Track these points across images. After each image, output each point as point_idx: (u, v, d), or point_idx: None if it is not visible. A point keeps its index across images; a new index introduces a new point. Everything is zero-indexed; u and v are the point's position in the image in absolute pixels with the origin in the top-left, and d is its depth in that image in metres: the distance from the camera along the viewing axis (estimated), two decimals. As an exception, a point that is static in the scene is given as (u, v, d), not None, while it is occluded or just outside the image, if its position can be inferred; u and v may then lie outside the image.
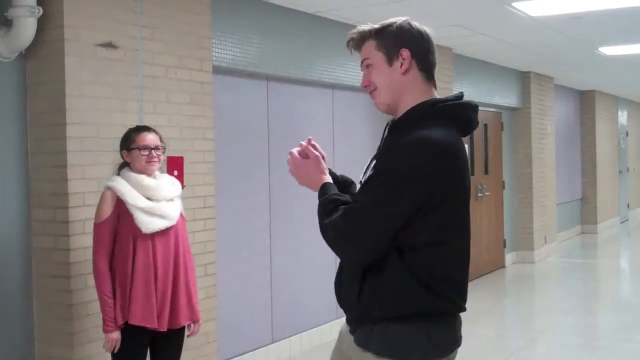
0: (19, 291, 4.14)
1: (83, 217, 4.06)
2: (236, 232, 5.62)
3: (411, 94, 2.23)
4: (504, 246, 10.82)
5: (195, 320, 3.84)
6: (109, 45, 4.26)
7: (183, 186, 4.71)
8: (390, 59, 2.23)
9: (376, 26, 2.27)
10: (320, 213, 2.19)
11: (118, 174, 3.70)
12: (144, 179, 3.63)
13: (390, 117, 2.34)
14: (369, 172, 2.24)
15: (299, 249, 6.20)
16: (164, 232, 3.64)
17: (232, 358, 5.54)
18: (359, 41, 2.28)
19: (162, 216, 3.61)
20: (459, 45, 8.31)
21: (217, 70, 5.21)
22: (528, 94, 10.96)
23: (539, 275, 10.50)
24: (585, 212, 14.50)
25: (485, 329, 7.20)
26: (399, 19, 2.28)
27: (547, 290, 9.77)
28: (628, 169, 16.93)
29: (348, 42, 2.30)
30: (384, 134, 2.32)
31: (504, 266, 10.74)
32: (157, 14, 4.59)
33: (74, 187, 4.04)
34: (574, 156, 14.10)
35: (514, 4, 6.32)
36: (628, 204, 16.87)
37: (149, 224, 3.57)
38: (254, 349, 5.79)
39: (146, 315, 3.58)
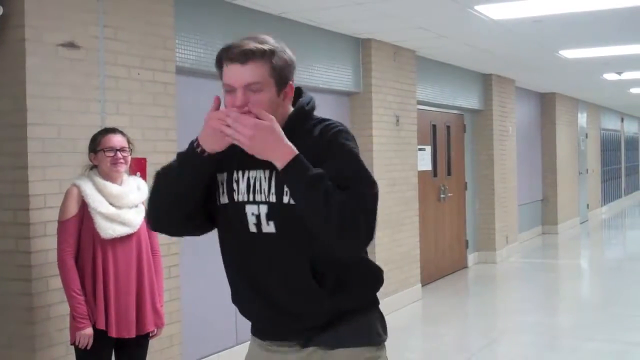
0: (-22, 295, 4.08)
1: (44, 219, 4.00)
2: (200, 233, 5.58)
3: (283, 111, 2.23)
4: (466, 247, 10.92)
5: (160, 325, 3.83)
6: (71, 45, 4.22)
7: (146, 188, 4.68)
8: (280, 89, 2.19)
9: (275, 47, 2.16)
10: (320, 190, 2.02)
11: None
12: (108, 185, 3.61)
13: None
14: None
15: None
16: (126, 238, 3.62)
17: (195, 360, 5.51)
18: (258, 56, 2.13)
19: (123, 223, 3.59)
20: (422, 47, 8.37)
21: (181, 71, 5.18)
22: (490, 96, 11.08)
23: (501, 275, 10.62)
24: (546, 212, 14.69)
25: (447, 328, 7.26)
26: (278, 42, 2.20)
27: (509, 290, 9.89)
28: (587, 170, 17.19)
29: (234, 47, 2.16)
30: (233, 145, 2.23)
31: (466, 266, 10.83)
32: (120, 14, 4.55)
33: (35, 189, 3.99)
34: (534, 158, 14.28)
35: (477, 7, 6.39)
36: (588, 205, 17.14)
37: (109, 229, 3.54)
38: (218, 351, 5.77)
39: (109, 321, 3.57)
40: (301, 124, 2.22)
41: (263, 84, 2.11)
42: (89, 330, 3.53)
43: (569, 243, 13.91)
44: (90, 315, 3.56)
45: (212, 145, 2.19)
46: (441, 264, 9.90)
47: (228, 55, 2.14)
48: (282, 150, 2.05)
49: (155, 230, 2.48)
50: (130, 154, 3.74)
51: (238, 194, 2.21)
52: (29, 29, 3.97)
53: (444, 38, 7.82)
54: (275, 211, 2.15)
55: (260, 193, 2.17)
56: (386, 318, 2.32)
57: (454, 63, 9.81)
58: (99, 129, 4.36)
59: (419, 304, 8.17)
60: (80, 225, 3.56)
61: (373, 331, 2.23)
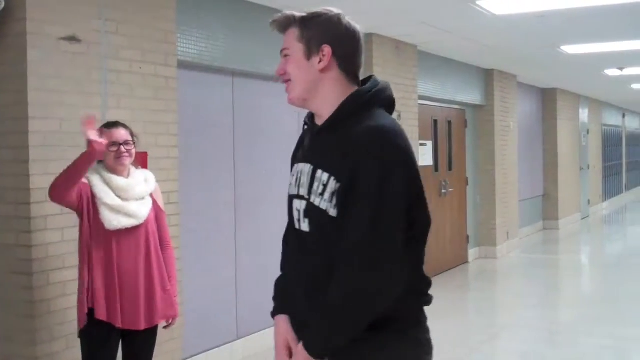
0: (-21, 288, 4.08)
1: (45, 213, 4.00)
2: (201, 228, 5.59)
3: (330, 91, 2.10)
4: (467, 242, 10.92)
5: (173, 316, 3.84)
6: (73, 39, 4.21)
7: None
8: (310, 52, 2.09)
9: (303, 14, 2.13)
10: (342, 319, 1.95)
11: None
12: (113, 179, 3.59)
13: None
14: (329, 186, 2.01)
15: (264, 245, 6.19)
16: (132, 230, 3.60)
17: (197, 354, 5.51)
18: (282, 26, 2.15)
19: (128, 215, 3.58)
20: (423, 42, 8.36)
21: (182, 65, 5.18)
22: (491, 92, 11.07)
23: (502, 270, 10.62)
24: (547, 208, 14.68)
25: (448, 323, 7.25)
26: (330, 11, 2.13)
27: (510, 286, 9.88)
28: (589, 166, 17.18)
29: (271, 23, 2.16)
30: (304, 132, 2.23)
31: (467, 262, 10.84)
32: (122, 8, 4.54)
33: (36, 183, 3.99)
34: (536, 153, 14.27)
35: (479, 2, 6.37)
36: (589, 201, 17.13)
37: (113, 220, 3.53)
38: (219, 345, 5.77)
39: (110, 313, 3.55)
40: (350, 112, 2.05)
41: (290, 49, 2.11)
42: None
43: (569, 239, 13.91)
44: (89, 301, 3.53)
45: None
46: (442, 259, 9.90)
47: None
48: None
49: None
50: (135, 147, 3.72)
51: (290, 186, 2.20)
52: (30, 23, 3.97)
53: (446, 33, 7.81)
54: (309, 209, 2.07)
55: (303, 187, 2.12)
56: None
57: (455, 58, 9.79)
58: (100, 123, 4.36)
59: (419, 299, 8.14)
60: (86, 217, 3.55)
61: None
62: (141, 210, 3.63)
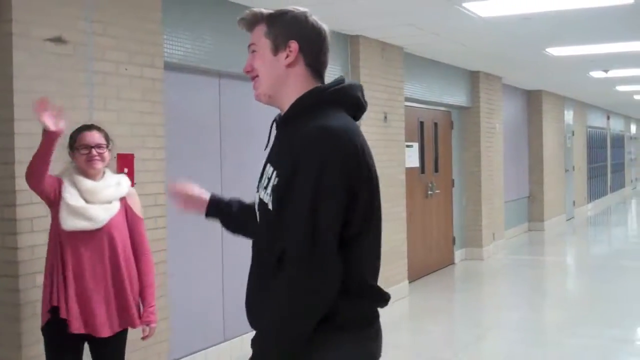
0: (-36, 291, 4.05)
1: (31, 215, 3.98)
2: (187, 230, 5.58)
3: (293, 87, 2.10)
4: (453, 243, 10.95)
5: (148, 324, 3.74)
6: (58, 40, 4.19)
7: (133, 184, 4.66)
8: (277, 48, 2.10)
9: (270, 11, 2.14)
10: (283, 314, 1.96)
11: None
12: (81, 181, 3.55)
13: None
14: (271, 181, 2.04)
15: (250, 247, 6.17)
16: (92, 234, 3.51)
17: (183, 357, 5.50)
18: (250, 23, 2.17)
19: (87, 218, 3.49)
20: (410, 44, 8.38)
21: (169, 66, 5.16)
22: (477, 93, 11.11)
23: (488, 271, 10.66)
24: (532, 209, 14.75)
25: (435, 325, 7.28)
26: (297, 9, 2.13)
27: (496, 287, 9.93)
28: (574, 167, 17.28)
29: (239, 21, 2.19)
30: (270, 130, 2.22)
31: (453, 263, 10.87)
32: (108, 9, 4.53)
33: (21, 185, 3.94)
34: (521, 155, 14.34)
35: (465, 4, 6.40)
36: (574, 202, 17.23)
37: (68, 222, 3.47)
38: (206, 348, 5.76)
39: (68, 314, 3.49)
40: (304, 108, 2.06)
41: (258, 45, 2.13)
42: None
43: (555, 240, 13.98)
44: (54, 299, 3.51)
45: None
46: (428, 261, 9.93)
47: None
48: None
49: None
50: (109, 150, 3.66)
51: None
52: (16, 24, 3.95)
53: (432, 35, 7.83)
54: (259, 202, 2.15)
55: (259, 181, 2.17)
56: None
57: (441, 60, 9.83)
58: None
59: (406, 301, 8.18)
60: (55, 185, 3.53)
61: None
62: (100, 214, 3.52)
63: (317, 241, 1.89)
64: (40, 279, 3.83)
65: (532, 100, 14.73)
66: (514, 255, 11.97)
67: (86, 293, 3.51)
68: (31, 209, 3.97)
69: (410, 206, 8.97)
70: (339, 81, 2.11)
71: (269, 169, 2.08)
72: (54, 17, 4.16)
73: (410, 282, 8.71)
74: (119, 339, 3.69)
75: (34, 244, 3.98)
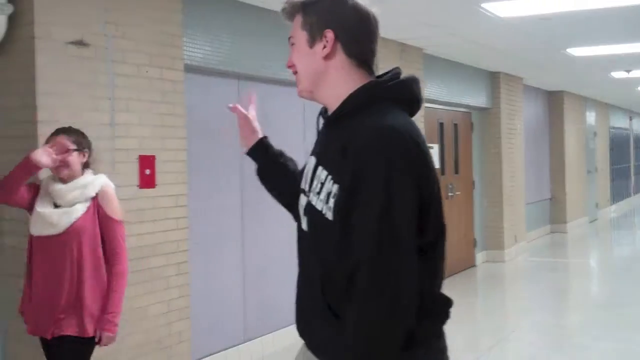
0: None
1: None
2: (208, 231, 5.61)
3: (336, 82, 1.91)
4: (474, 245, 10.91)
5: (103, 331, 3.48)
6: (80, 43, 4.24)
7: (154, 185, 4.71)
8: (313, 39, 1.91)
9: None
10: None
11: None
12: (51, 185, 3.53)
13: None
14: (325, 186, 1.84)
15: (271, 248, 6.20)
16: (54, 239, 3.44)
17: (204, 357, 5.52)
18: (289, 14, 1.99)
19: (50, 223, 3.45)
20: (429, 45, 8.37)
21: (188, 68, 5.20)
22: (497, 94, 11.07)
23: (509, 274, 10.60)
24: (554, 211, 14.65)
25: (455, 328, 7.21)
26: None
27: (518, 289, 9.87)
28: (596, 168, 17.15)
29: (281, 13, 2.02)
30: (317, 124, 2.04)
31: (474, 265, 10.82)
32: (129, 12, 4.57)
33: (44, 186, 4.00)
34: (542, 156, 14.25)
35: (483, 5, 6.39)
36: (597, 204, 17.09)
37: (33, 227, 3.50)
38: (227, 348, 5.78)
39: (26, 316, 3.57)
40: (357, 106, 1.86)
41: (295, 37, 1.97)
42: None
43: (578, 242, 13.87)
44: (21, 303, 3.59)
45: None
46: (449, 263, 9.80)
47: None
48: None
49: None
50: (84, 153, 3.57)
51: (302, 177, 2.02)
52: (38, 27, 4.00)
53: (451, 36, 7.82)
54: (308, 207, 1.91)
55: (307, 182, 1.95)
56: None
57: (461, 61, 9.80)
58: (108, 127, 4.40)
59: (427, 302, 8.13)
60: (32, 192, 3.59)
61: None
62: (62, 220, 3.43)
63: (395, 250, 1.69)
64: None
65: (554, 101, 14.64)
66: (536, 258, 11.89)
67: (40, 296, 3.49)
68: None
69: (431, 208, 8.93)
70: (395, 74, 1.92)
71: (322, 172, 1.86)
72: (75, 20, 4.21)
73: (431, 284, 8.69)
74: (67, 343, 3.48)
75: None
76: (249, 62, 5.86)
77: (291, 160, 2.32)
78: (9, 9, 3.95)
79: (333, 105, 1.92)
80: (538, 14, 6.79)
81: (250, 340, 6.00)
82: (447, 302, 1.92)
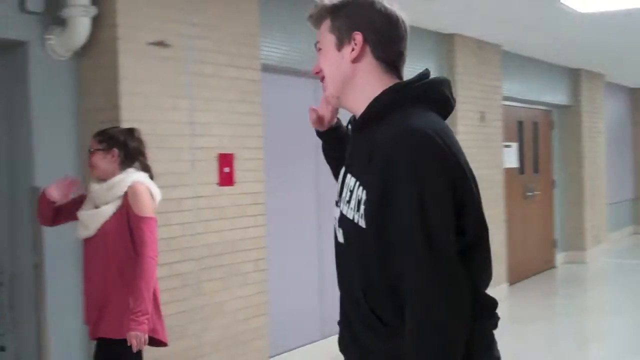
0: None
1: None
2: (285, 228, 5.66)
3: (363, 86, 1.85)
4: (555, 246, 10.68)
5: (129, 333, 3.34)
6: (161, 44, 4.34)
7: (233, 183, 4.79)
8: (341, 42, 1.86)
9: (334, 2, 1.89)
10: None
11: None
12: (90, 184, 3.62)
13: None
14: (355, 194, 1.79)
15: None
16: (91, 241, 3.51)
17: (282, 353, 5.57)
18: (316, 19, 1.93)
19: (84, 226, 3.52)
20: (507, 42, 8.25)
21: (266, 68, 5.26)
22: (578, 92, 10.81)
23: (591, 275, 10.34)
24: (637, 212, 14.21)
25: (535, 330, 7.12)
26: None
27: (599, 292, 9.61)
28: (682, 168, 16.54)
29: (308, 19, 1.96)
30: (347, 133, 2.02)
31: (554, 266, 10.60)
32: (208, 13, 4.66)
33: (127, 183, 4.12)
34: (625, 155, 13.85)
35: (563, 0, 6.26)
36: (683, 205, 16.49)
37: (77, 229, 3.59)
38: (304, 345, 5.82)
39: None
40: (383, 108, 1.80)
41: (322, 42, 1.90)
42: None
43: (662, 243, 13.43)
44: None
45: None
46: (528, 264, 9.72)
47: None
48: None
49: None
50: (110, 153, 3.55)
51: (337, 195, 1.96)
52: (121, 28, 4.12)
53: (530, 32, 7.69)
54: (341, 218, 1.86)
55: (338, 194, 1.91)
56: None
57: (540, 57, 9.61)
58: (188, 125, 4.50)
59: (505, 304, 8.03)
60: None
61: None
62: (92, 222, 3.47)
63: (437, 253, 1.65)
64: (176, 269, 4.00)
65: (637, 98, 14.21)
66: (618, 259, 11.55)
67: (85, 298, 3.58)
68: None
69: (509, 207, 8.82)
70: (423, 75, 1.86)
71: (350, 180, 1.82)
72: (156, 22, 4.32)
73: (509, 285, 8.56)
74: (100, 346, 3.52)
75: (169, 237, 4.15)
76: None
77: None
78: (93, 11, 4.07)
79: (359, 110, 1.86)
80: (619, 9, 6.62)
81: (327, 337, 6.02)
82: (492, 303, 1.83)
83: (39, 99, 4.09)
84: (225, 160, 4.76)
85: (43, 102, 4.11)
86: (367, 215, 1.73)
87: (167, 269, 4.29)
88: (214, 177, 4.71)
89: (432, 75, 1.89)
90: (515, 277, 9.07)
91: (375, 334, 1.80)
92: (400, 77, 1.88)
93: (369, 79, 1.84)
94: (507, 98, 8.79)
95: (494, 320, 1.83)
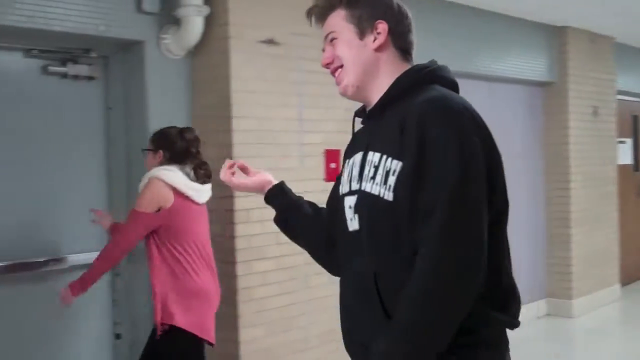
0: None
1: (247, 206, 4.24)
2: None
3: (385, 74, 1.88)
4: (672, 246, 10.24)
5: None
6: (271, 41, 4.42)
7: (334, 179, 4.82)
8: (363, 31, 1.88)
9: None
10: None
11: None
12: None
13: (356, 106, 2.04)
14: (382, 167, 1.76)
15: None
16: None
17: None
18: (322, 11, 1.96)
19: None
20: (621, 33, 7.96)
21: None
22: (700, 85, 10.31)
23: None
24: None
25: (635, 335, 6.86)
26: None
27: None
28: None
29: (308, 12, 1.99)
30: (353, 127, 2.04)
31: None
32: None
33: (238, 177, 4.22)
34: None
35: (683, -11, 6.00)
36: None
37: None
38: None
39: None
40: (406, 87, 1.83)
41: (338, 31, 1.91)
42: None
43: None
44: None
45: None
46: (635, 268, 9.34)
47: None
48: None
49: None
50: (154, 152, 3.73)
51: (341, 186, 1.96)
52: (232, 27, 4.22)
53: (646, 23, 7.40)
54: (360, 200, 1.82)
55: (354, 180, 1.87)
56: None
57: (656, 50, 9.23)
58: (296, 122, 4.57)
59: (616, 305, 7.74)
60: None
61: None
62: None
63: (473, 211, 1.64)
64: (256, 267, 4.06)
65: None
66: None
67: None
68: (247, 200, 4.21)
69: (623, 205, 8.51)
70: (434, 61, 1.92)
71: (374, 156, 1.80)
72: (266, 20, 4.40)
73: (622, 286, 8.27)
74: (152, 332, 3.66)
75: (249, 234, 4.23)
76: (434, 57, 5.83)
77: (313, 203, 2.22)
78: (206, 10, 4.19)
79: (376, 99, 1.90)
80: None
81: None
82: (515, 296, 1.79)
83: (156, 96, 4.23)
84: (332, 156, 4.81)
85: (159, 100, 4.24)
86: (398, 185, 1.70)
87: (274, 262, 4.38)
88: (321, 172, 4.76)
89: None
90: (628, 278, 8.74)
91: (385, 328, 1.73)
92: (412, 64, 1.94)
93: (388, 66, 1.89)
94: (621, 92, 8.49)
95: (512, 314, 1.77)
